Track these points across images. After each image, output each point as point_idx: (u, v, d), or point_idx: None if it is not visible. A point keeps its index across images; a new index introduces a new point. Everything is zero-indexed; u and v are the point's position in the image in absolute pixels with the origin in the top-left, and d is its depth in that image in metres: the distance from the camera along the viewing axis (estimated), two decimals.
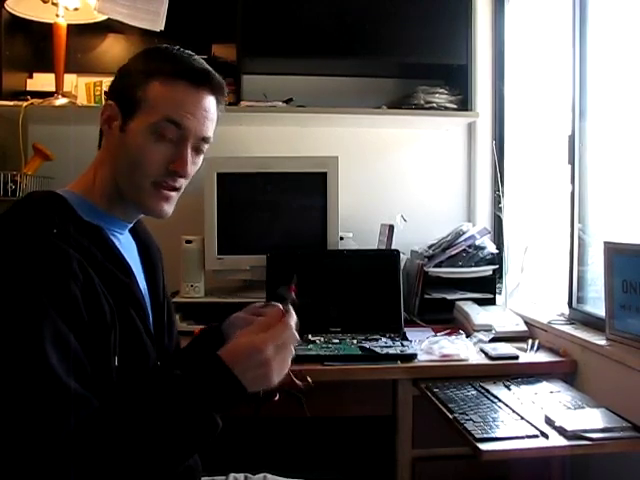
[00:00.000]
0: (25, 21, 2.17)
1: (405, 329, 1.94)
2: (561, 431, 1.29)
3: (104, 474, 0.84)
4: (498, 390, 1.57)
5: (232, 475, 1.37)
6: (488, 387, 1.58)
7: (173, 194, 1.09)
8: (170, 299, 1.26)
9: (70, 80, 2.25)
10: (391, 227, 2.19)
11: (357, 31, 2.25)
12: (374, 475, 1.81)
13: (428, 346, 1.76)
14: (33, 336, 0.85)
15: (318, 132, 2.46)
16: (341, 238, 2.22)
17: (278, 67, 2.42)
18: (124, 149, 1.05)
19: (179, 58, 1.07)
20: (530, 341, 1.83)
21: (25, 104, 2.10)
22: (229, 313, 1.30)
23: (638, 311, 1.50)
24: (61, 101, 2.15)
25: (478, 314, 1.99)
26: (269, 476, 1.37)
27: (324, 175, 2.16)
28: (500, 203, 2.24)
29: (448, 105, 2.33)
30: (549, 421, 1.34)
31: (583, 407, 1.46)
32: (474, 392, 1.55)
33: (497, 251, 2.19)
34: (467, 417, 1.37)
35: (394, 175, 2.51)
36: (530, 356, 1.77)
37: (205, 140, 1.09)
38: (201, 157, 1.11)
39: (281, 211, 2.21)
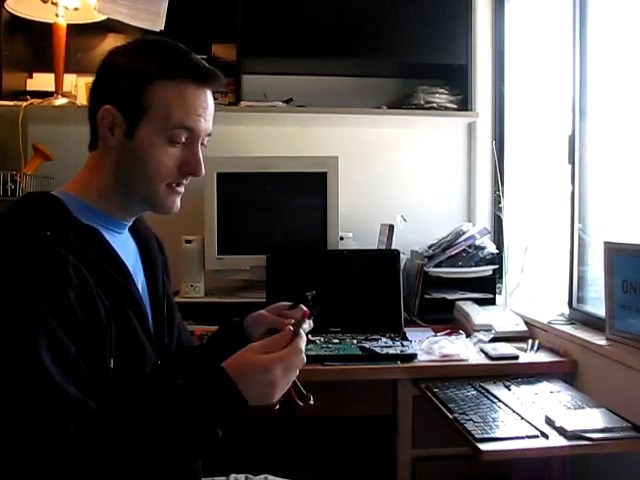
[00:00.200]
0: (25, 21, 2.16)
1: (405, 329, 1.94)
2: (561, 431, 1.29)
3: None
4: (498, 390, 1.57)
5: (233, 476, 1.36)
6: (488, 387, 1.58)
7: (182, 190, 1.11)
8: (172, 297, 1.24)
9: (70, 80, 2.24)
10: (391, 227, 2.19)
11: (357, 31, 2.26)
12: (374, 475, 1.81)
13: (428, 346, 1.76)
14: (29, 342, 0.85)
15: (318, 132, 2.46)
16: (341, 238, 2.22)
17: (278, 67, 2.42)
18: (133, 155, 1.04)
19: (179, 56, 1.05)
20: (530, 341, 1.83)
21: (25, 104, 2.10)
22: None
23: (638, 311, 1.50)
24: (61, 101, 2.15)
25: (478, 314, 1.99)
26: (270, 477, 1.37)
27: (324, 175, 2.17)
28: (500, 203, 2.24)
29: (448, 105, 2.33)
30: (549, 421, 1.34)
31: (583, 407, 1.46)
32: (474, 392, 1.55)
33: (497, 251, 2.19)
34: (467, 417, 1.38)
35: (394, 175, 2.51)
36: (530, 356, 1.77)
37: (209, 134, 1.10)
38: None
39: (281, 211, 2.21)
